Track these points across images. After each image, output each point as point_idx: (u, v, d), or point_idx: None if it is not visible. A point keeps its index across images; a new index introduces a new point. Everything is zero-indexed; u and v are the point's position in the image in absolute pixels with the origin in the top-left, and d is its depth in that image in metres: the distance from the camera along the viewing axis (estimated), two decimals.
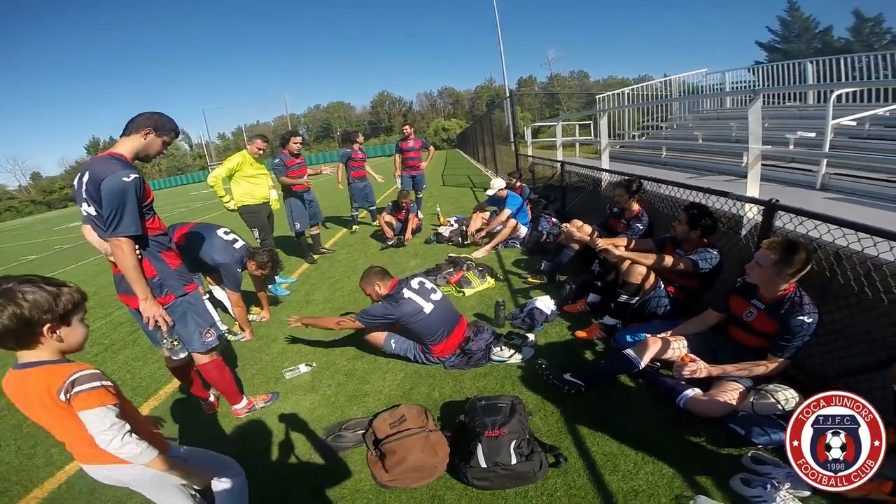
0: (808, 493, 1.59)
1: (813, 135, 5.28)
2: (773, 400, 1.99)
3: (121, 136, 2.01)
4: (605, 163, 5.58)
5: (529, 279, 4.20)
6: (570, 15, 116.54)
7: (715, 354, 2.32)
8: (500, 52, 17.00)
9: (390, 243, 6.24)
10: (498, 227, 5.40)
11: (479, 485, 1.84)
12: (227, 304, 3.78)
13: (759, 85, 9.59)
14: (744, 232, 3.17)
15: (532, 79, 70.02)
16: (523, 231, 5.46)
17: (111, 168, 1.86)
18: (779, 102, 8.57)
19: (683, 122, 9.69)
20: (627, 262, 2.99)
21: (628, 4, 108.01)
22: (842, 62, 7.16)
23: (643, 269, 2.93)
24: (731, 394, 2.11)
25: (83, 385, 1.13)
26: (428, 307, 2.78)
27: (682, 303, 2.97)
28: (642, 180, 3.95)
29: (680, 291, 2.98)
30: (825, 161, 4.39)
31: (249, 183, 4.72)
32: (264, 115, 75.84)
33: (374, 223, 8.02)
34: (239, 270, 3.47)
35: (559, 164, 6.75)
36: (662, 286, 3.00)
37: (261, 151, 4.77)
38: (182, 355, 2.20)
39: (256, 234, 4.92)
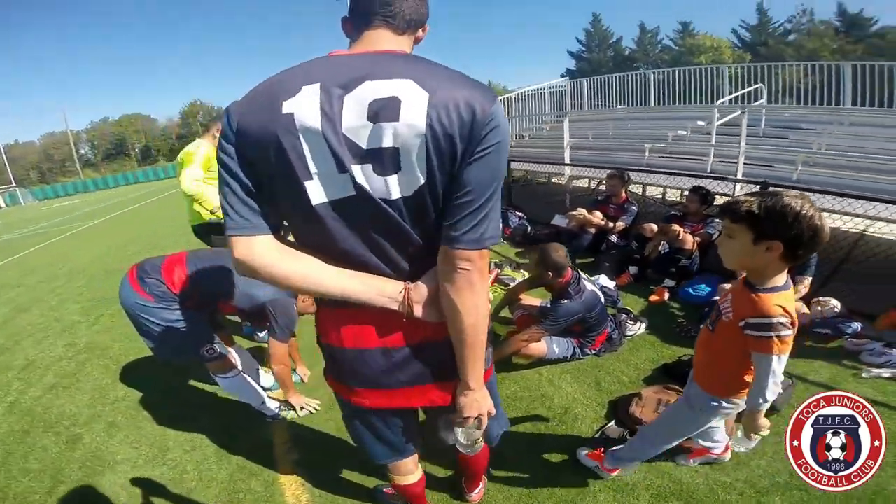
0: None
1: (685, 132, 7.22)
2: (831, 305, 3.04)
3: None
4: (568, 158, 6.70)
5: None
6: None
7: None
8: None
9: None
10: None
11: None
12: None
13: (609, 93, 11.16)
14: None
15: None
16: None
17: None
18: (629, 105, 10.72)
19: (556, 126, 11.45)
20: (681, 233, 3.90)
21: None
22: (678, 73, 9.56)
23: (691, 237, 3.91)
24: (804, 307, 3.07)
25: None
26: (601, 296, 2.86)
27: (701, 260, 4.03)
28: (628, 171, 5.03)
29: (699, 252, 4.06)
30: (713, 150, 6.20)
31: (214, 186, 3.21)
32: (26, 133, 58.68)
33: None
34: (294, 308, 2.45)
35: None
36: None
37: None
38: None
39: None
